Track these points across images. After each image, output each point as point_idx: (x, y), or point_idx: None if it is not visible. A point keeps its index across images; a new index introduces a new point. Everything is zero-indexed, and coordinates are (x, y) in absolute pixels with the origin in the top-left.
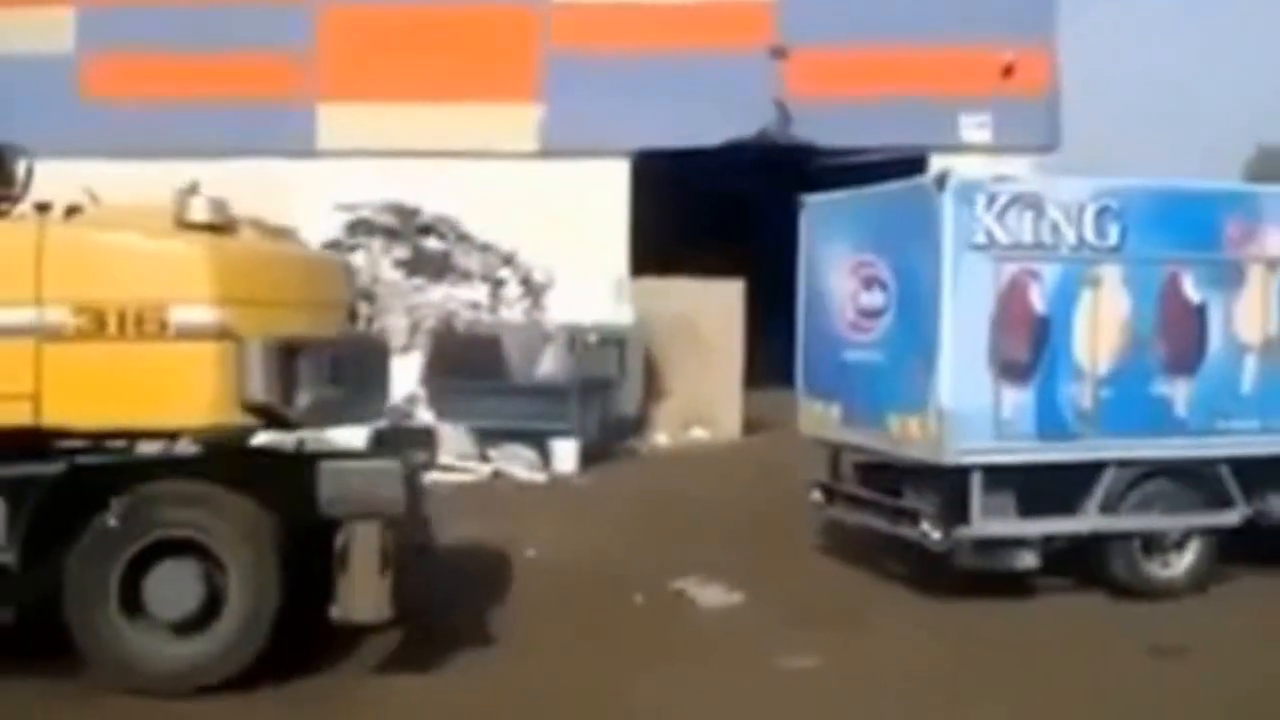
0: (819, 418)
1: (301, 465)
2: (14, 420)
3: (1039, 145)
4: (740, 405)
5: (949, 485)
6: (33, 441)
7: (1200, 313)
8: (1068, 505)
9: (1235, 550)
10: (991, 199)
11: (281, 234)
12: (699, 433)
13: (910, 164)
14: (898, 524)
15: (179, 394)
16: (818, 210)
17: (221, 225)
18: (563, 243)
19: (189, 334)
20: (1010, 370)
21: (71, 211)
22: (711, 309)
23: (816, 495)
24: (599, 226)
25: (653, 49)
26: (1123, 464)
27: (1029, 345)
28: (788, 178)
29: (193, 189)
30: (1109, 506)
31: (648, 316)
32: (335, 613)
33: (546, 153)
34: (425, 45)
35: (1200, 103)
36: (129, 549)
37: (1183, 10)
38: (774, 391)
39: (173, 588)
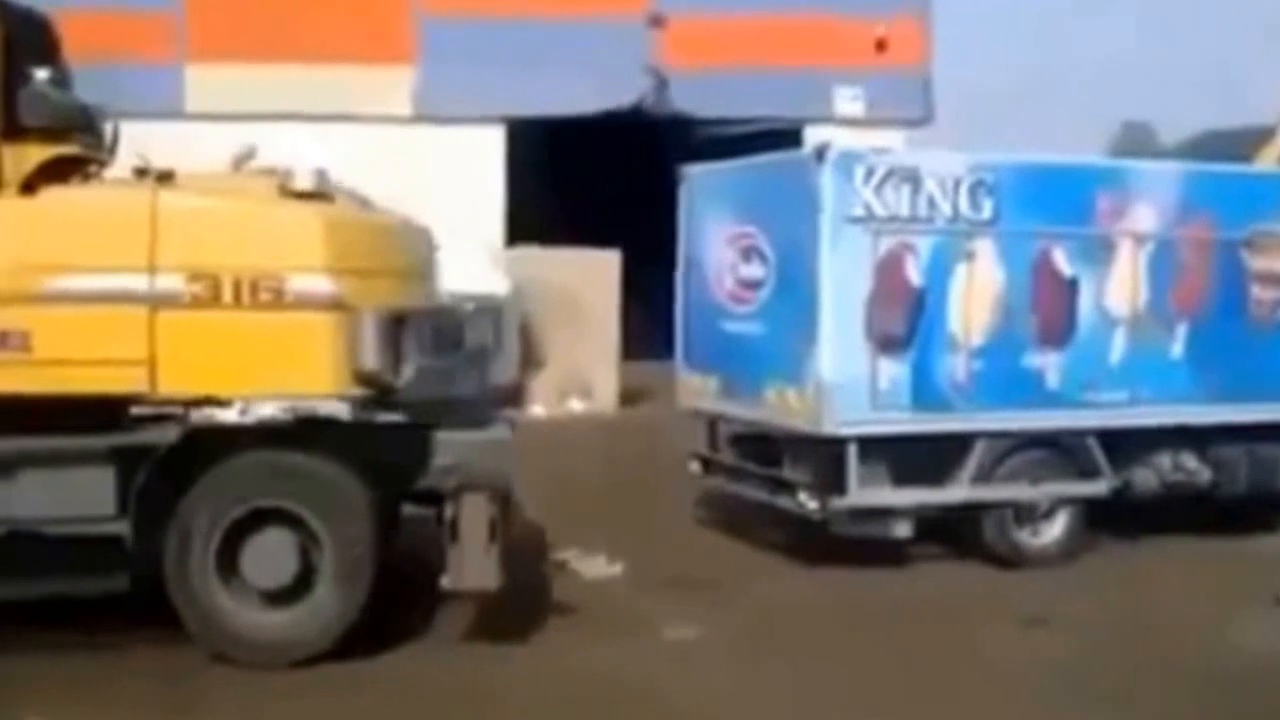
0: (698, 389)
1: (406, 435)
2: (129, 387)
3: (912, 118)
4: (617, 376)
5: (826, 456)
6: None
7: (1071, 286)
8: (942, 475)
9: (1105, 520)
10: (870, 172)
11: (364, 203)
12: (576, 404)
13: (785, 135)
14: (775, 494)
15: (294, 363)
16: (697, 181)
17: (324, 194)
18: (436, 210)
19: (305, 303)
20: (887, 342)
21: (164, 178)
22: (588, 279)
23: (695, 466)
24: (473, 194)
25: (529, 14)
26: (995, 435)
27: (905, 317)
28: (664, 147)
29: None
30: (981, 477)
31: (524, 286)
32: (445, 582)
33: (419, 117)
34: (296, 5)
35: (1069, 78)
36: (227, 518)
37: None
38: (651, 363)
39: (268, 558)
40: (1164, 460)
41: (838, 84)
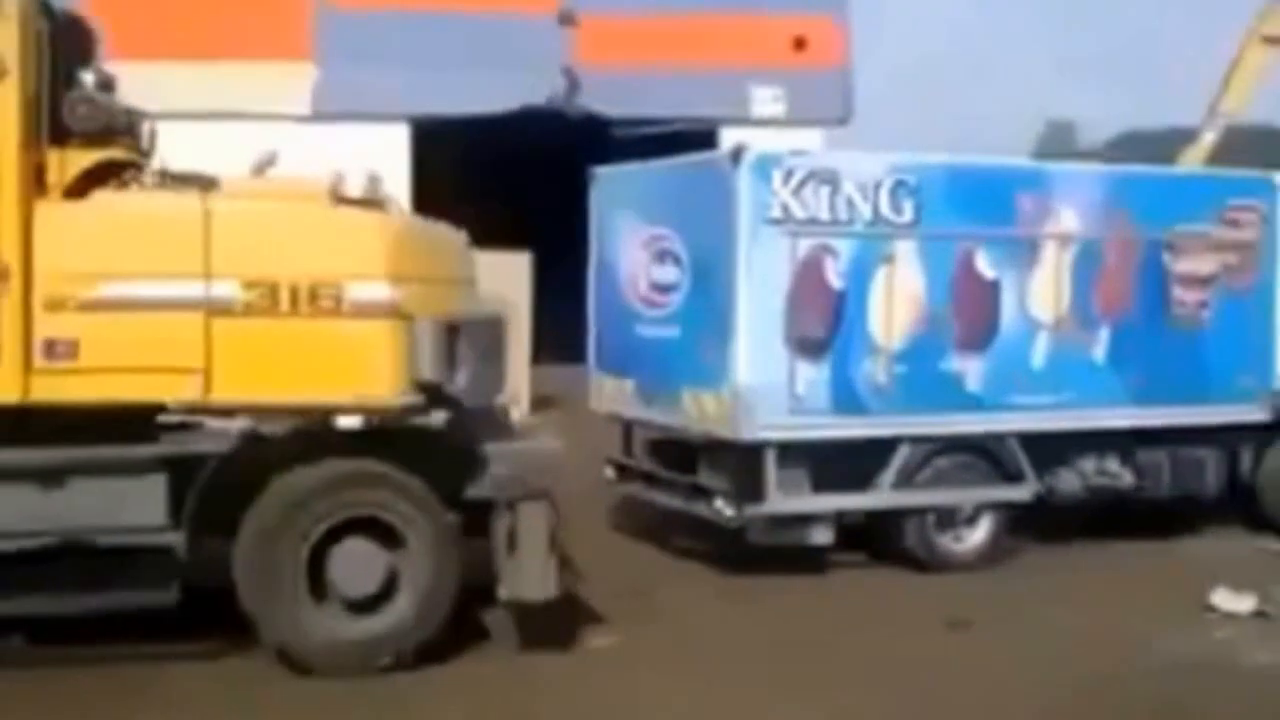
0: (612, 393)
1: (461, 445)
2: (183, 395)
3: (831, 118)
4: (528, 380)
5: (743, 461)
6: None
7: (993, 289)
8: (863, 480)
9: (1031, 524)
10: (788, 174)
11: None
12: None
13: (701, 136)
14: (692, 501)
15: (353, 372)
16: (609, 182)
17: (376, 200)
18: None
19: (365, 311)
20: (806, 346)
21: (208, 185)
22: (497, 281)
23: (609, 472)
24: None
25: (437, 10)
26: (916, 440)
27: (825, 321)
28: (577, 147)
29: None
30: (903, 482)
31: None
32: (503, 592)
33: (321, 116)
34: (191, 0)
35: (992, 77)
36: (319, 527)
37: None
38: (563, 367)
39: (356, 566)
40: (1087, 464)
41: (755, 84)
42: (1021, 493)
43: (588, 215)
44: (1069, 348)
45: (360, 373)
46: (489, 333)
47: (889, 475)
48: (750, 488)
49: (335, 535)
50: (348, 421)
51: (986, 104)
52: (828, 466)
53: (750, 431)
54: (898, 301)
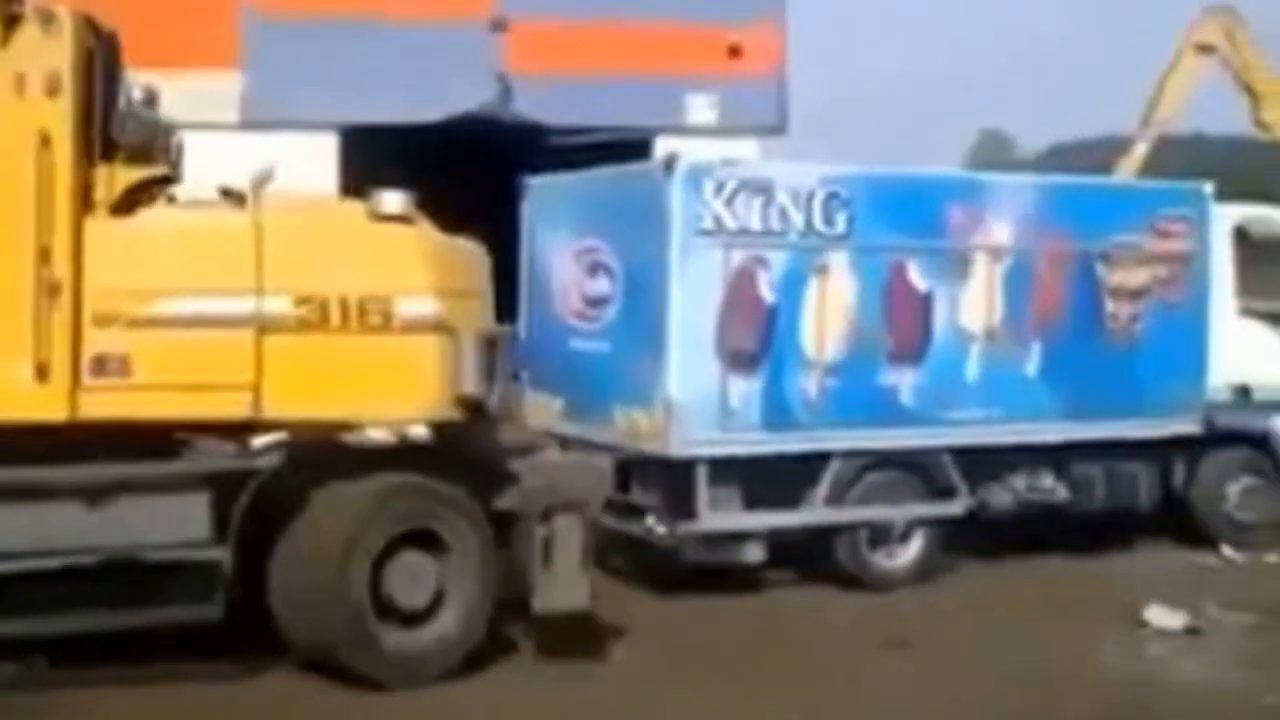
0: (544, 409)
1: (498, 458)
2: (232, 411)
3: (766, 127)
4: None
5: (675, 479)
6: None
7: (926, 301)
8: (796, 497)
9: (962, 540)
10: (720, 184)
11: None
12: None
13: (636, 145)
14: (624, 520)
15: (399, 386)
16: (541, 193)
17: (409, 217)
18: None
19: (412, 326)
20: (738, 360)
21: (236, 198)
22: None
23: None
24: None
25: (366, 18)
26: (848, 455)
27: (757, 334)
28: (509, 156)
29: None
30: (835, 498)
31: None
32: (538, 604)
33: (248, 124)
34: (113, 6)
35: (927, 87)
36: (379, 540)
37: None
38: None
39: (412, 578)
40: (1020, 478)
41: (690, 92)
42: (954, 508)
43: (519, 226)
44: (1001, 361)
45: (407, 387)
46: (507, 346)
47: (821, 491)
48: (682, 505)
49: (396, 548)
50: (387, 436)
51: (921, 115)
52: (760, 483)
53: (682, 448)
54: (830, 314)
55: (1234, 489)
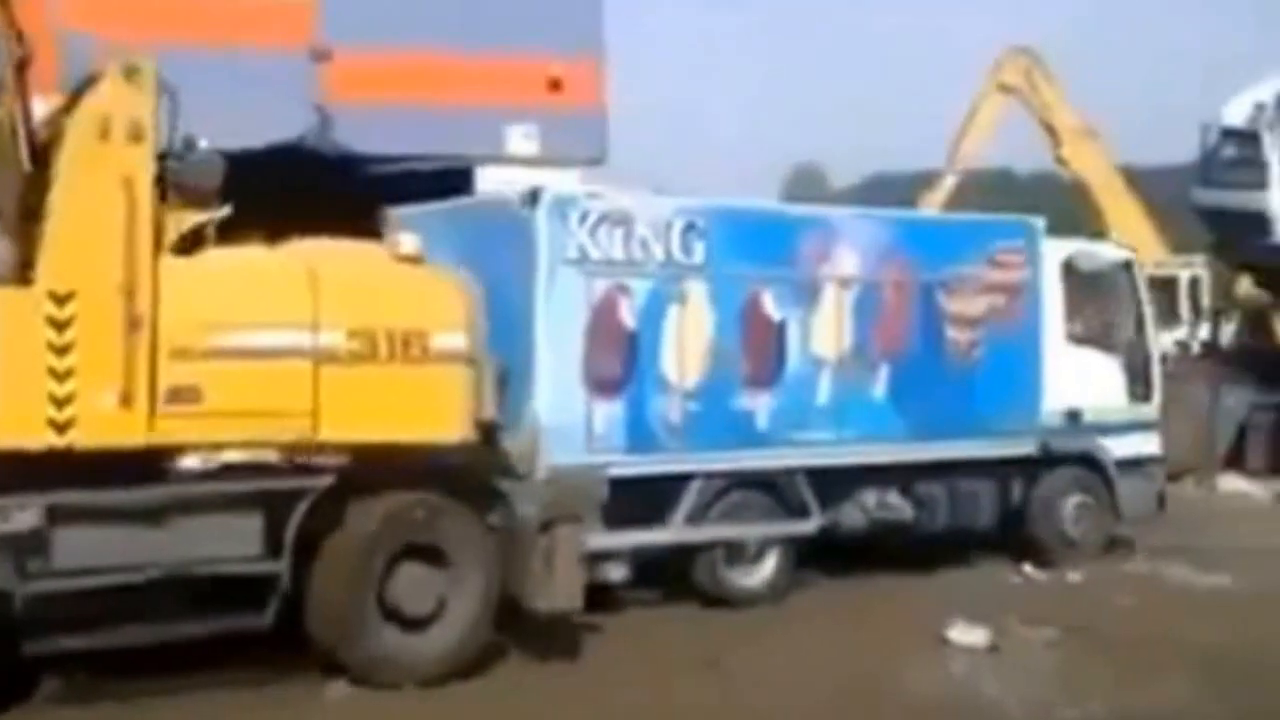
0: None
1: (500, 475)
2: (292, 436)
3: (587, 158)
4: None
5: None
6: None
7: (780, 329)
8: (657, 517)
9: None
10: (584, 215)
11: None
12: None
13: (457, 174)
14: None
15: (433, 413)
16: (404, 221)
17: (421, 257)
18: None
19: (447, 358)
20: (602, 385)
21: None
22: None
23: None
24: None
25: (184, 43)
26: (707, 476)
27: (620, 360)
28: (328, 186)
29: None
30: (696, 517)
31: None
32: (541, 604)
33: None
34: None
35: (742, 121)
36: (386, 552)
37: (727, 33)
38: None
39: (417, 587)
40: (869, 497)
41: (510, 122)
42: (807, 527)
43: None
44: (851, 385)
45: (439, 414)
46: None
47: (681, 511)
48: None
49: (404, 559)
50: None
51: (737, 146)
52: (623, 504)
53: (547, 470)
54: (689, 341)
55: (1067, 507)
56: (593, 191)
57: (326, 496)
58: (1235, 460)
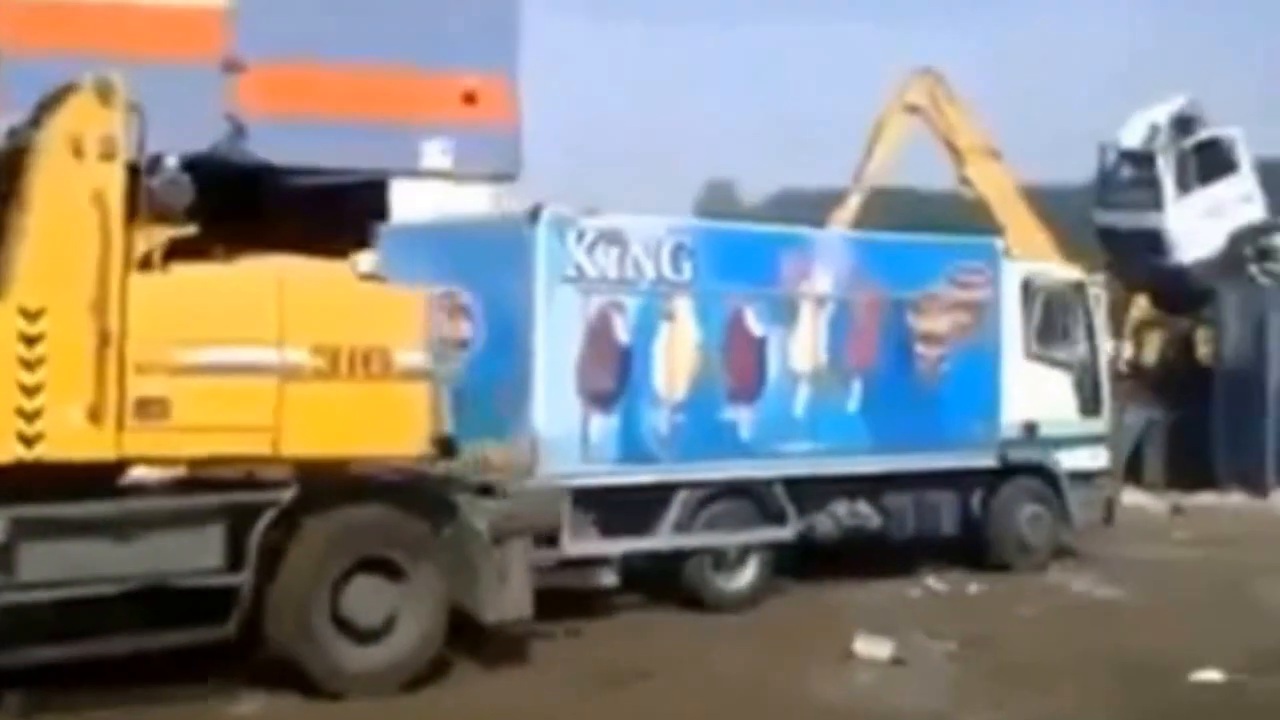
0: None
1: (458, 490)
2: (255, 450)
3: (501, 173)
4: None
5: None
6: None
7: (761, 344)
8: (645, 525)
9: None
10: (581, 234)
11: None
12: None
13: (371, 187)
14: None
15: (393, 429)
16: (396, 238)
17: (378, 275)
18: None
19: (407, 375)
20: (597, 397)
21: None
22: None
23: None
24: None
25: (93, 53)
26: (694, 485)
27: (614, 373)
28: (241, 198)
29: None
30: (682, 525)
31: None
32: (491, 616)
33: None
34: None
35: (658, 137)
36: (340, 565)
37: (642, 49)
38: None
39: (368, 600)
40: (841, 507)
41: (425, 136)
42: (785, 534)
43: None
44: (826, 398)
45: (399, 429)
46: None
47: (669, 519)
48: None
49: (356, 572)
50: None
51: (650, 162)
52: (612, 512)
53: (546, 479)
54: (678, 356)
55: (1023, 516)
56: (591, 210)
57: (286, 509)
58: (1133, 474)
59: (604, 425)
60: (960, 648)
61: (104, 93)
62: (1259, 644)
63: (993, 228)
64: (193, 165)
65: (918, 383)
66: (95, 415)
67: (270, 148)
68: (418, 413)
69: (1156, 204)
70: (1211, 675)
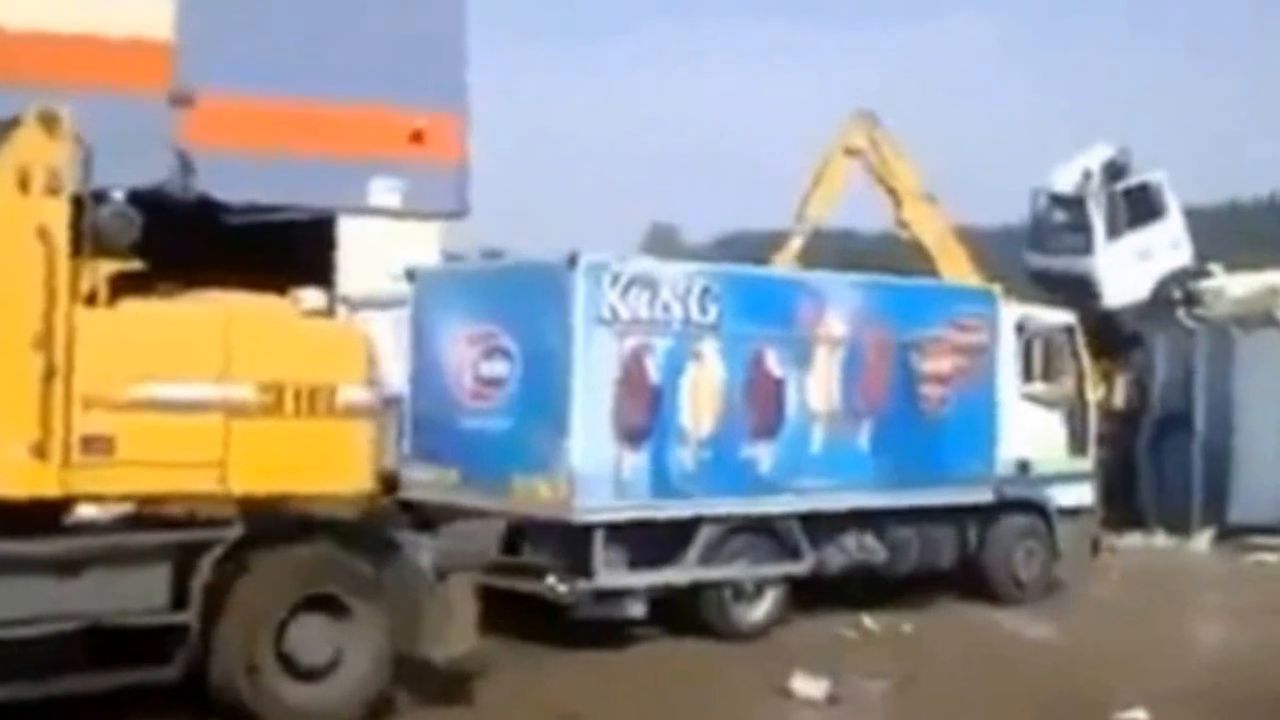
0: (436, 481)
1: (398, 529)
2: (202, 488)
3: (448, 211)
4: None
5: (573, 541)
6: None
7: (780, 384)
8: (669, 558)
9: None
10: (615, 278)
11: None
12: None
13: (318, 224)
14: (520, 579)
15: (339, 465)
16: (430, 280)
17: (327, 312)
18: None
19: (351, 412)
20: (630, 434)
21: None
22: None
23: None
24: None
25: (41, 85)
26: (717, 519)
27: (645, 412)
28: (187, 233)
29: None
30: (706, 558)
31: None
32: (438, 652)
33: None
34: None
35: (600, 180)
36: (285, 603)
37: (589, 92)
38: None
39: (313, 638)
40: (850, 540)
41: (373, 174)
42: (801, 567)
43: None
44: (840, 436)
45: (343, 466)
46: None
47: (694, 552)
48: (579, 565)
49: (300, 611)
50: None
51: (595, 204)
52: (641, 545)
53: (583, 513)
54: (704, 395)
55: (1018, 551)
56: (622, 255)
57: (232, 547)
58: None
59: (635, 461)
60: (894, 687)
61: (50, 125)
62: (1186, 683)
63: (928, 269)
64: (139, 199)
65: (921, 421)
66: (40, 451)
67: (217, 182)
68: (361, 450)
69: (1087, 248)
70: (1137, 715)
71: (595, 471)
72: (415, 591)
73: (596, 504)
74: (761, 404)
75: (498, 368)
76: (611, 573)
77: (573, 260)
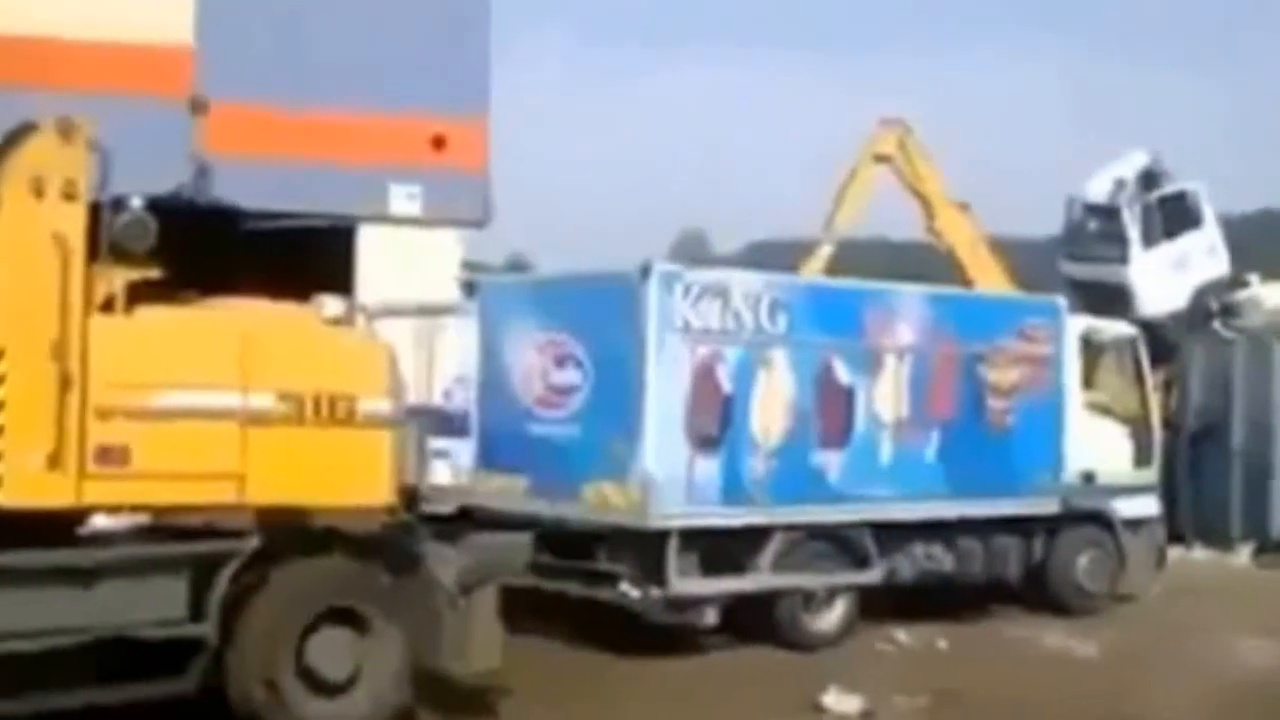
0: (505, 489)
1: (424, 539)
2: (219, 498)
3: (470, 219)
4: None
5: (645, 547)
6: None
7: (849, 393)
8: (739, 565)
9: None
10: (688, 288)
11: None
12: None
13: (337, 232)
14: (592, 587)
15: (360, 476)
16: (496, 291)
17: (348, 320)
18: None
19: (372, 422)
20: (702, 441)
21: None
22: None
23: None
24: None
25: (57, 90)
26: (788, 528)
27: (717, 419)
28: (205, 240)
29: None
30: (778, 566)
31: None
32: (459, 668)
33: None
34: None
35: (629, 186)
36: (304, 616)
37: (614, 99)
38: None
39: (334, 651)
40: (918, 550)
41: (394, 181)
42: (872, 576)
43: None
44: (907, 446)
45: (363, 478)
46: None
47: (766, 559)
48: (652, 572)
49: (313, 626)
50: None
51: (626, 211)
52: (713, 552)
53: (656, 520)
54: (773, 403)
55: (1082, 562)
56: (695, 266)
57: (250, 560)
58: None
59: (707, 468)
60: (931, 702)
61: (66, 131)
62: (1228, 700)
63: (961, 278)
64: (157, 206)
65: (988, 431)
66: (55, 461)
67: (236, 190)
68: (382, 461)
69: (1122, 257)
70: None
71: (669, 477)
72: (436, 605)
73: (671, 510)
74: (830, 413)
75: (569, 376)
76: (685, 580)
77: (646, 270)
